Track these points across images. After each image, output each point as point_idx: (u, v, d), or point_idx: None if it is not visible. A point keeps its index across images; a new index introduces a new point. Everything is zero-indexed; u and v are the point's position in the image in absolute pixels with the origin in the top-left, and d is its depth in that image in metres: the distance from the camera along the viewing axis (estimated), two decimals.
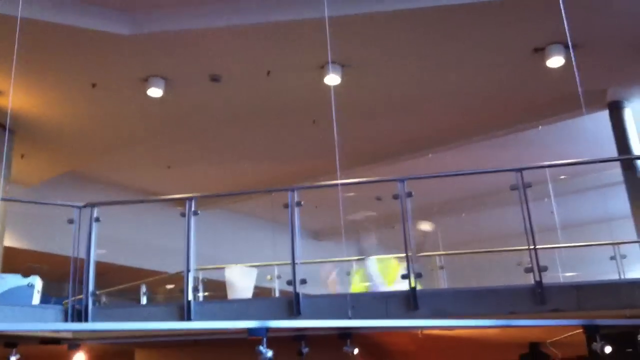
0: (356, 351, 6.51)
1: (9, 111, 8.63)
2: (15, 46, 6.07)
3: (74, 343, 6.59)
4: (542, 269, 5.93)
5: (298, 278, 6.31)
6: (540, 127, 11.05)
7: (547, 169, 9.69)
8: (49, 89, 9.04)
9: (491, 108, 10.55)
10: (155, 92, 8.85)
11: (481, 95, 9.97)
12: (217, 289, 8.84)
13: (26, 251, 11.51)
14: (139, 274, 11.11)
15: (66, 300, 7.10)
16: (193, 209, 6.75)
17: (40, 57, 8.05)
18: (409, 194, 6.55)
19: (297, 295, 6.25)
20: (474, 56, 8.70)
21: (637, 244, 9.28)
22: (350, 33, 7.91)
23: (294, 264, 6.38)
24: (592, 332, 5.62)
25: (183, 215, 6.74)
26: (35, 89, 8.84)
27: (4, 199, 7.29)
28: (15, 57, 6.07)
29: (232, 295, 7.84)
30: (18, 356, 6.11)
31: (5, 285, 6.63)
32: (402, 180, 6.56)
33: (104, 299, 8.47)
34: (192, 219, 6.72)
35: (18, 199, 7.42)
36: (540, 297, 5.86)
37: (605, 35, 8.19)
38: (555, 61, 8.47)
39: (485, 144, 11.68)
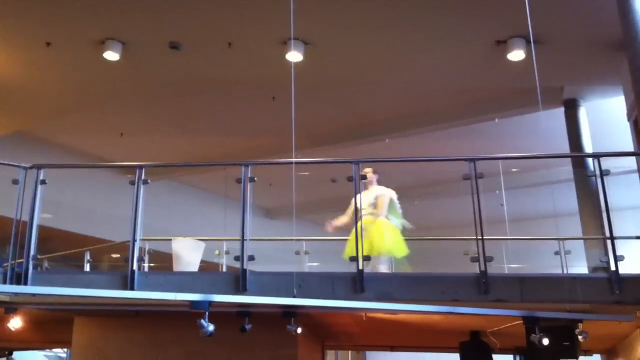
0: (299, 330, 6.52)
1: None
2: None
3: (11, 307, 6.42)
4: (487, 259, 5.99)
5: (246, 254, 6.25)
6: (496, 119, 11.17)
7: (499, 162, 9.85)
8: (2, 46, 8.71)
9: (450, 97, 10.63)
10: (112, 55, 8.62)
11: (441, 83, 10.01)
12: (162, 261, 8.72)
13: None
14: (83, 241, 10.89)
15: (6, 264, 6.91)
16: (143, 177, 6.61)
17: None
18: (363, 177, 6.54)
19: (244, 271, 6.19)
20: (436, 44, 8.71)
21: (581, 241, 9.49)
22: (315, 11, 7.83)
23: (243, 239, 6.32)
24: (531, 324, 5.74)
25: (132, 183, 6.60)
26: None
27: None
28: None
29: (178, 268, 7.73)
30: None
31: None
32: (356, 162, 6.54)
33: (45, 264, 8.27)
34: (142, 188, 6.58)
35: None
36: (485, 286, 5.92)
37: (566, 32, 8.28)
38: (516, 55, 8.54)
39: (441, 133, 11.78)
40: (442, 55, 9.02)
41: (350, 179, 6.51)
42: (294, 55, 8.54)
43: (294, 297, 5.72)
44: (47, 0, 7.72)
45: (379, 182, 7.75)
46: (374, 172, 7.70)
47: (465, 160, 6.37)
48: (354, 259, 6.16)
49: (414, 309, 6.08)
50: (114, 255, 10.76)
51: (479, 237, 6.06)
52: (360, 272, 6.08)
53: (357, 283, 6.06)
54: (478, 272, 6.00)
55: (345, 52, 8.97)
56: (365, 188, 7.55)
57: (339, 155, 10.45)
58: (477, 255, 6.05)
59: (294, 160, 6.27)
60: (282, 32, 8.30)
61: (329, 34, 8.50)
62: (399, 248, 7.39)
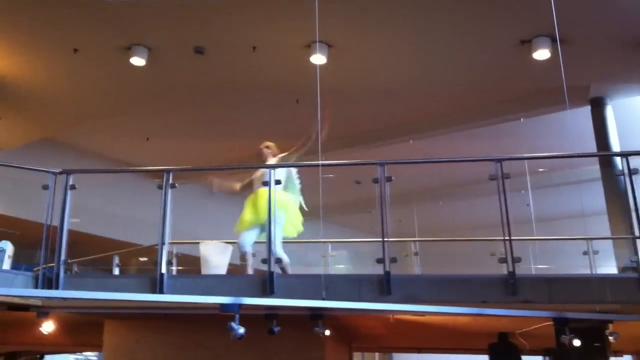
0: (327, 332, 6.53)
1: None
2: None
3: (43, 311, 6.51)
4: (515, 260, 5.95)
5: (273, 257, 6.28)
6: (521, 119, 11.09)
7: (525, 161, 9.77)
8: (29, 53, 8.86)
9: (474, 97, 10.57)
10: (138, 61, 8.72)
11: (465, 83, 9.97)
12: (190, 264, 8.78)
13: None
14: (111, 245, 11.00)
15: (37, 267, 7.01)
16: (170, 181, 6.68)
17: (22, 20, 7.89)
18: (389, 179, 6.52)
19: (271, 274, 6.22)
20: (460, 44, 8.68)
21: (609, 240, 9.39)
22: (338, 13, 7.85)
23: (269, 242, 6.36)
24: (561, 325, 5.68)
25: (160, 187, 6.66)
26: (16, 52, 8.68)
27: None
28: None
29: (205, 271, 7.78)
30: None
31: None
32: (382, 164, 6.53)
33: (75, 268, 8.37)
34: (169, 192, 6.65)
35: None
36: (512, 287, 5.88)
37: (592, 31, 8.21)
38: (542, 54, 8.48)
39: (466, 133, 11.72)
40: (467, 56, 8.99)
41: (375, 180, 6.50)
42: (319, 58, 8.57)
43: (323, 299, 5.73)
44: (74, 8, 7.83)
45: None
46: (267, 147, 7.65)
47: (492, 160, 6.34)
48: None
49: (441, 311, 6.06)
50: (142, 259, 10.88)
51: (507, 238, 6.02)
52: (387, 273, 6.07)
53: (384, 285, 6.06)
54: (506, 273, 5.96)
55: (369, 53, 8.97)
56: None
57: (362, 157, 10.46)
58: (504, 256, 6.02)
59: (320, 162, 6.28)
60: (305, 35, 8.34)
61: (352, 36, 8.51)
62: (293, 224, 7.24)
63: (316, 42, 8.38)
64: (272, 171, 6.79)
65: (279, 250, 6.89)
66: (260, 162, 7.54)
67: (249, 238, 7.11)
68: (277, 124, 11.65)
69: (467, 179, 13.59)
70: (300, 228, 7.30)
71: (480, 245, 9.51)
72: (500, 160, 6.30)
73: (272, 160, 7.50)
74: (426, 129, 11.67)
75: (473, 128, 11.48)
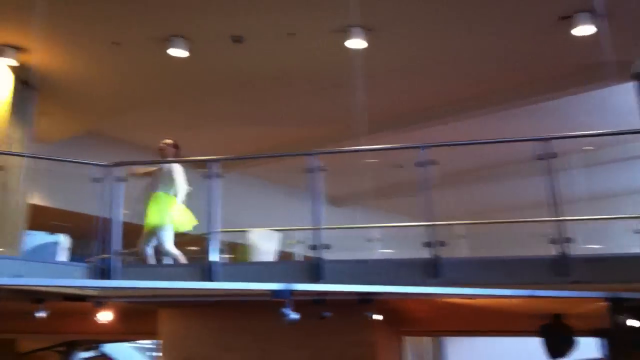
0: (377, 317, 6.57)
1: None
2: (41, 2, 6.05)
3: (99, 301, 6.69)
4: (566, 241, 5.90)
5: (321, 243, 6.34)
6: (563, 97, 10.90)
7: (570, 140, 9.61)
8: (72, 47, 9.00)
9: (514, 76, 10.40)
10: (177, 52, 8.80)
11: (504, 62, 9.81)
12: (238, 252, 8.90)
13: (51, 209, 11.61)
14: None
15: (90, 259, 7.21)
16: (217, 171, 6.78)
17: (63, 14, 8.00)
18: (432, 162, 6.50)
19: (319, 259, 6.28)
20: (498, 22, 8.55)
21: None
22: None
23: (317, 229, 6.41)
24: (616, 305, 5.61)
25: (207, 177, 6.77)
26: (58, 46, 8.82)
27: (32, 156, 7.36)
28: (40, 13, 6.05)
29: (255, 258, 7.91)
30: (44, 312, 6.24)
31: (33, 242, 6.73)
32: (423, 147, 6.52)
33: (127, 258, 8.57)
34: (216, 182, 6.75)
35: (46, 157, 7.48)
36: (564, 268, 5.84)
37: (634, 4, 8.00)
38: (582, 30, 8.30)
39: (506, 112, 11.56)
40: (504, 34, 8.85)
41: (418, 164, 6.49)
42: (357, 43, 8.54)
43: (372, 284, 5.77)
44: (114, 1, 7.94)
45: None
46: (169, 144, 7.85)
47: (540, 140, 6.27)
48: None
49: (492, 294, 6.04)
50: (191, 248, 11.03)
51: (557, 218, 5.97)
52: (436, 257, 6.08)
53: (433, 268, 6.07)
54: (556, 253, 5.91)
55: (406, 36, 8.89)
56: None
57: (402, 140, 10.38)
58: (554, 236, 5.97)
59: (362, 147, 6.30)
60: (342, 20, 8.30)
61: (389, 19, 8.44)
62: (183, 222, 7.47)
63: (354, 26, 8.35)
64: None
65: (169, 248, 7.28)
66: (162, 157, 7.70)
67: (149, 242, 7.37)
68: (316, 109, 11.68)
69: (510, 159, 13.43)
70: (194, 221, 7.54)
71: (528, 226, 9.42)
72: (547, 139, 6.24)
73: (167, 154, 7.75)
74: (465, 110, 11.52)
75: (512, 108, 11.31)
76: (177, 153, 7.79)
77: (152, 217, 7.26)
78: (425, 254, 6.20)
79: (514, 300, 6.79)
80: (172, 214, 7.40)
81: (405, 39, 8.97)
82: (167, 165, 7.59)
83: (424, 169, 6.44)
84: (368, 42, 8.54)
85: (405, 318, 8.49)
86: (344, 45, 8.62)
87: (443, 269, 6.05)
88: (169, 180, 7.51)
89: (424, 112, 11.56)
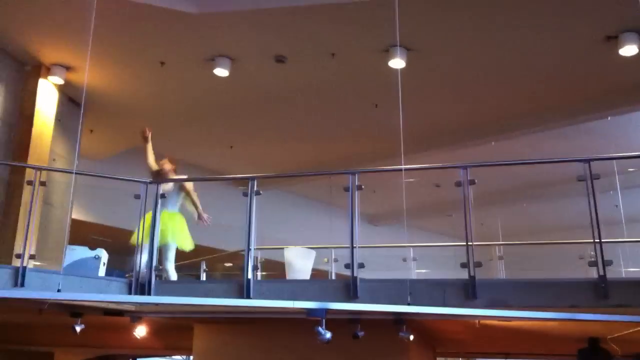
0: (412, 337, 6.51)
1: (84, 85, 8.86)
2: (92, 24, 6.23)
3: (136, 315, 6.78)
4: (606, 263, 5.78)
5: (356, 262, 6.32)
6: (609, 117, 10.73)
7: (614, 161, 9.44)
8: (118, 66, 9.26)
9: (558, 96, 10.30)
10: (221, 72, 8.97)
11: (547, 82, 9.73)
12: (274, 269, 8.94)
13: (90, 224, 11.85)
14: (197, 251, 11.31)
15: (129, 274, 7.31)
16: (255, 188, 6.83)
17: (111, 34, 8.23)
18: (472, 182, 6.44)
19: (354, 278, 6.26)
20: (542, 41, 8.49)
21: None
22: (417, 17, 7.83)
23: (353, 247, 6.40)
24: None
25: (245, 195, 6.82)
26: (105, 65, 9.07)
27: (78, 173, 7.53)
28: (91, 34, 6.23)
29: (290, 275, 7.92)
30: (83, 326, 6.34)
31: (74, 256, 6.86)
32: (465, 167, 6.47)
33: (164, 274, 8.68)
34: (254, 199, 6.80)
35: (90, 173, 7.66)
36: (604, 291, 5.71)
37: None
38: (628, 50, 8.20)
39: (550, 133, 11.42)
40: (548, 53, 8.78)
41: (458, 183, 6.44)
42: (398, 62, 8.57)
43: (408, 304, 5.72)
44: (159, 23, 8.14)
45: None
46: (172, 162, 7.85)
47: (580, 161, 6.18)
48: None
49: (530, 316, 5.94)
50: (227, 264, 11.15)
51: (597, 240, 5.86)
52: (472, 278, 6.01)
53: (469, 289, 6.00)
54: (596, 276, 5.80)
55: (449, 55, 8.91)
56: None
57: (442, 160, 10.35)
58: (594, 259, 5.86)
59: (403, 167, 6.28)
60: (384, 40, 8.37)
61: (431, 39, 8.47)
62: (185, 240, 7.47)
63: (395, 46, 8.38)
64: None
65: (171, 267, 7.24)
66: (163, 176, 7.65)
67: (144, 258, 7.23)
68: (357, 127, 11.72)
69: (551, 179, 13.26)
70: (192, 245, 7.56)
71: (567, 248, 9.27)
72: (589, 161, 6.14)
73: (171, 175, 7.72)
74: (508, 130, 11.43)
75: (556, 128, 11.19)
76: (175, 168, 7.89)
77: (164, 234, 7.25)
78: (462, 274, 6.14)
79: (550, 323, 6.68)
80: (179, 232, 7.48)
81: (445, 58, 8.98)
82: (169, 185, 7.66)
83: (463, 188, 6.37)
84: (408, 61, 8.57)
85: (440, 339, 8.41)
86: (384, 64, 8.67)
87: (480, 290, 5.97)
88: (177, 197, 7.58)
89: (463, 131, 11.51)
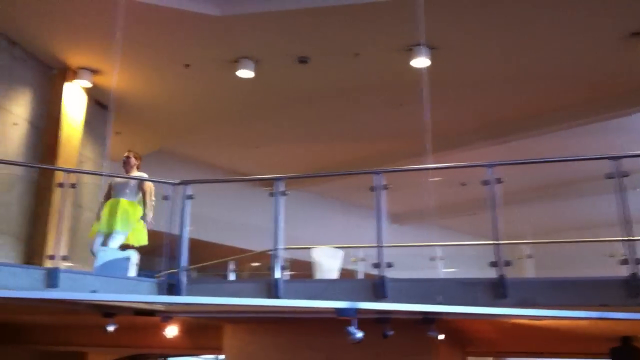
0: (441, 337, 6.51)
1: (112, 89, 8.96)
2: (119, 28, 6.31)
3: (167, 315, 6.84)
4: (637, 261, 5.72)
5: (384, 261, 6.33)
6: (632, 114, 10.60)
7: None
8: (144, 69, 9.34)
9: (584, 92, 10.22)
10: (245, 73, 9.02)
11: (572, 79, 9.67)
12: (301, 269, 8.95)
13: None
14: (225, 251, 11.38)
15: (159, 274, 7.38)
16: (281, 189, 6.86)
17: (136, 38, 8.31)
18: (498, 180, 6.41)
19: (382, 278, 6.27)
20: (566, 38, 8.43)
21: None
22: (440, 15, 7.81)
23: (380, 247, 6.40)
24: None
25: (272, 195, 6.86)
26: (131, 68, 9.15)
27: (104, 174, 7.64)
28: (119, 39, 6.31)
29: (318, 275, 7.94)
30: (115, 326, 6.42)
31: (105, 257, 6.95)
32: (491, 166, 6.45)
33: (193, 274, 8.75)
34: (281, 199, 6.84)
35: (120, 175, 7.75)
36: (635, 289, 5.66)
37: None
38: None
39: (575, 130, 11.32)
40: (575, 51, 8.72)
41: (484, 182, 6.42)
42: (422, 61, 8.56)
43: (438, 304, 5.72)
44: (184, 25, 8.21)
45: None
46: (137, 157, 7.85)
47: (609, 158, 6.12)
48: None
49: (560, 315, 5.90)
50: (254, 264, 11.17)
51: (628, 238, 5.80)
52: (502, 277, 5.99)
53: (499, 288, 5.97)
54: (627, 274, 5.74)
55: (473, 53, 8.87)
56: (127, 172, 7.75)
57: (466, 158, 10.31)
58: (625, 257, 5.80)
59: (430, 166, 6.27)
60: (407, 39, 8.35)
61: (455, 37, 8.44)
62: (139, 235, 7.42)
63: (418, 45, 8.37)
64: None
65: (111, 246, 7.22)
66: (126, 168, 7.78)
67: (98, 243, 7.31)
68: (381, 127, 11.72)
69: (579, 177, 13.13)
70: (144, 241, 7.52)
71: (596, 246, 9.16)
72: (618, 158, 6.08)
73: (136, 172, 7.78)
74: (533, 127, 11.36)
75: (583, 124, 11.08)
76: (140, 164, 7.98)
77: (117, 222, 7.30)
78: (490, 273, 6.11)
79: (581, 322, 6.63)
80: (131, 222, 7.49)
81: (469, 57, 8.94)
82: (136, 173, 7.77)
83: (489, 187, 6.35)
84: (432, 60, 8.55)
85: (469, 338, 8.38)
86: (408, 63, 8.66)
87: (509, 289, 5.95)
88: (136, 190, 7.65)
89: (488, 129, 11.45)
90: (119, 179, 7.72)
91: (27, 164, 8.48)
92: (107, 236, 7.28)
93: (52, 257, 6.55)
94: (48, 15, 8.11)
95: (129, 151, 7.95)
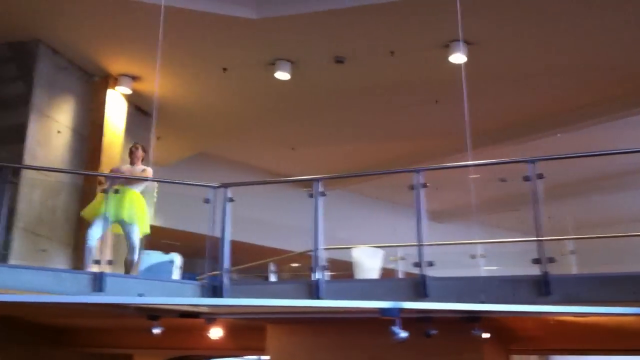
0: (485, 335, 6.45)
1: (156, 95, 9.07)
2: (160, 34, 6.42)
3: (211, 317, 6.92)
4: None
5: (424, 260, 6.31)
6: None
7: None
8: (183, 74, 9.49)
9: (625, 84, 10.01)
10: (282, 75, 9.09)
11: (614, 71, 9.48)
12: (341, 268, 8.97)
13: (161, 228, 12.14)
14: (264, 252, 11.46)
15: (200, 276, 7.48)
16: (320, 189, 6.89)
17: (175, 44, 8.44)
18: (540, 176, 6.33)
19: (423, 277, 6.25)
20: (607, 31, 8.29)
21: None
22: (477, 11, 7.74)
23: (420, 245, 6.38)
24: None
25: (311, 196, 6.89)
26: (170, 74, 9.29)
27: (146, 179, 7.77)
28: (160, 44, 6.43)
29: (359, 275, 7.95)
30: (161, 328, 6.52)
31: (149, 260, 7.07)
32: (532, 161, 6.37)
33: (234, 275, 8.83)
34: (320, 200, 6.86)
35: (163, 180, 7.91)
36: None
37: None
38: None
39: (617, 123, 11.11)
40: (615, 42, 8.56)
41: (526, 178, 6.34)
42: (458, 57, 8.50)
43: (481, 302, 5.68)
44: (221, 30, 8.31)
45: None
46: (144, 150, 7.94)
47: None
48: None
49: (605, 312, 5.80)
50: (294, 265, 11.23)
51: None
52: (545, 274, 5.92)
53: (542, 285, 5.90)
54: None
55: (510, 48, 8.78)
56: (133, 162, 7.83)
57: (507, 154, 10.19)
58: None
59: (470, 163, 6.23)
60: (443, 35, 8.32)
61: (492, 32, 8.37)
62: (144, 223, 7.52)
63: (454, 41, 8.32)
64: None
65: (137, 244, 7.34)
66: (133, 159, 7.87)
67: (96, 232, 7.27)
68: (418, 124, 11.68)
69: (623, 170, 12.87)
70: (147, 230, 7.67)
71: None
72: None
73: (141, 164, 7.88)
74: (574, 121, 11.17)
75: (623, 117, 10.87)
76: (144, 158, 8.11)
77: (124, 211, 7.35)
78: (533, 270, 6.05)
79: (627, 318, 6.50)
80: (140, 213, 7.59)
81: (507, 51, 8.86)
82: (140, 165, 7.87)
83: (531, 183, 6.28)
84: (469, 55, 8.48)
85: (513, 336, 8.27)
86: (444, 60, 8.61)
87: (553, 286, 5.87)
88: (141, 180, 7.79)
89: (528, 124, 11.32)
90: (124, 168, 7.90)
91: (71, 170, 8.68)
92: (113, 223, 7.41)
93: (97, 262, 6.70)
94: (90, 25, 8.30)
95: (137, 143, 8.14)
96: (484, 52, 8.65)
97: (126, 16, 8.03)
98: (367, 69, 9.34)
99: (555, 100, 10.60)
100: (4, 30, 8.38)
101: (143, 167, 7.88)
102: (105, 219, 7.21)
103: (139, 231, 7.49)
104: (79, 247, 8.57)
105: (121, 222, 7.40)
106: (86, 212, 7.57)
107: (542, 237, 6.10)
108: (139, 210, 7.52)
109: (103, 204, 7.29)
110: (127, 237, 7.42)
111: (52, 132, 8.67)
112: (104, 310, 6.99)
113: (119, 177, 7.51)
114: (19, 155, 8.10)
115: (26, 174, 7.99)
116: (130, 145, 8.08)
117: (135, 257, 7.36)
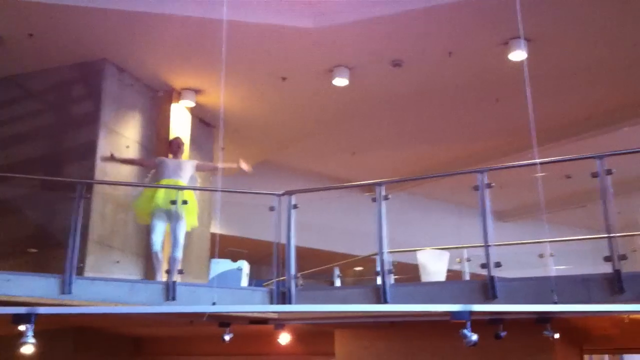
0: (557, 336, 6.34)
1: (221, 108, 9.33)
2: (223, 48, 6.58)
3: (280, 323, 7.03)
4: None
5: (492, 261, 6.25)
6: None
7: None
8: (243, 85, 9.65)
9: None
10: (340, 81, 9.15)
11: None
12: (406, 272, 8.96)
13: (227, 237, 12.38)
14: (328, 257, 11.55)
15: (265, 283, 7.61)
16: (383, 193, 6.92)
17: (235, 55, 8.57)
18: (608, 172, 6.20)
19: (492, 278, 6.19)
20: None
21: None
22: (535, 5, 7.62)
23: (487, 246, 6.33)
24: None
25: (374, 200, 6.93)
26: (231, 85, 9.46)
27: (213, 190, 7.99)
28: (224, 58, 6.58)
29: (425, 278, 7.94)
30: (231, 335, 6.67)
31: (218, 268, 7.24)
32: (600, 157, 6.25)
33: (300, 281, 8.94)
34: (383, 204, 6.89)
35: (225, 189, 8.09)
36: None
37: None
38: None
39: None
40: None
41: (594, 175, 6.23)
42: (517, 54, 8.38)
43: (554, 303, 5.59)
44: (279, 40, 8.42)
45: None
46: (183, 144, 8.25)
47: None
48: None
49: None
50: (358, 269, 11.29)
51: None
52: (618, 272, 5.79)
53: (615, 284, 5.77)
54: None
55: (572, 43, 8.59)
56: (176, 156, 8.16)
57: (571, 150, 9.98)
58: None
59: (537, 161, 6.15)
60: (502, 33, 8.22)
61: (552, 28, 8.22)
62: (193, 216, 7.64)
63: (514, 38, 8.21)
64: None
65: (181, 236, 7.42)
66: (177, 151, 8.20)
67: (158, 236, 7.38)
68: (478, 124, 11.55)
69: None
70: (195, 223, 7.79)
71: None
72: None
73: (181, 155, 8.21)
74: (638, 115, 10.86)
75: None
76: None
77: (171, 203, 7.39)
78: (605, 268, 5.92)
79: None
80: (192, 207, 7.66)
81: (568, 46, 8.68)
82: (191, 161, 8.18)
83: (600, 179, 6.15)
84: (529, 52, 8.36)
85: (585, 336, 8.10)
86: (503, 58, 8.51)
87: (626, 283, 5.74)
88: (192, 170, 8.00)
89: (593, 119, 11.06)
90: (169, 160, 8.12)
91: (136, 183, 8.90)
92: (166, 214, 7.53)
93: (168, 272, 6.89)
94: (154, 42, 8.55)
95: (178, 136, 8.47)
96: (543, 48, 8.51)
97: (189, 32, 8.24)
98: (425, 71, 9.31)
99: (619, 93, 10.31)
100: (73, 53, 8.72)
101: (187, 160, 8.24)
102: (160, 219, 7.41)
103: (187, 225, 7.60)
104: (150, 257, 8.83)
105: (168, 215, 7.52)
106: (138, 207, 7.80)
107: (612, 233, 5.97)
108: (189, 200, 7.58)
109: (153, 198, 7.50)
110: (172, 232, 7.52)
111: (120, 147, 8.95)
112: (176, 319, 7.18)
113: (182, 189, 7.68)
114: (90, 170, 8.37)
115: (98, 189, 8.27)
116: (172, 139, 8.40)
117: (179, 254, 7.42)
